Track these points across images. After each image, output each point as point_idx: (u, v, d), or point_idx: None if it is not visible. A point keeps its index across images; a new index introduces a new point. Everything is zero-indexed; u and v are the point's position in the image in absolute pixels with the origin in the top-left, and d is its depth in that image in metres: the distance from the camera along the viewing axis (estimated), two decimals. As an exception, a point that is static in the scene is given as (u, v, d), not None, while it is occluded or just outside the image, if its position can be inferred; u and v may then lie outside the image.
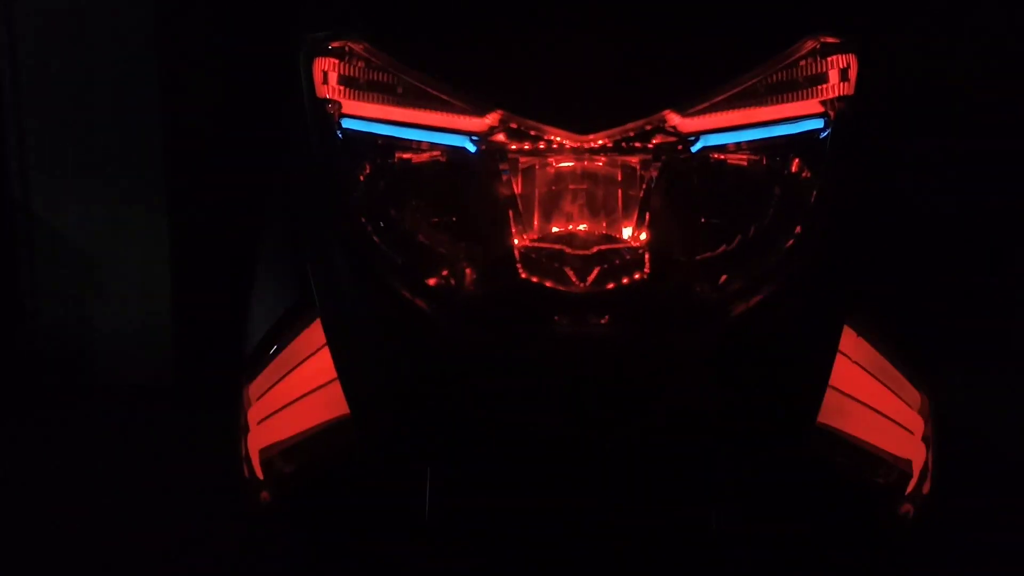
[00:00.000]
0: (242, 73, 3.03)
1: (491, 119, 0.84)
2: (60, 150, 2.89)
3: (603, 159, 0.87)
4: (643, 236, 0.86)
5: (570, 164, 0.88)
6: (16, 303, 2.98)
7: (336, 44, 0.90)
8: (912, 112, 1.61)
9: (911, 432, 0.96)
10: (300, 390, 0.96)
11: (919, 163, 1.68)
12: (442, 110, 0.86)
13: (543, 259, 0.84)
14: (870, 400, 0.95)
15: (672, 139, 0.84)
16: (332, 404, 0.93)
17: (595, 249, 0.85)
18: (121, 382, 2.99)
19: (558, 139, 0.84)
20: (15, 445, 2.46)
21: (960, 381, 1.49)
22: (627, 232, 0.87)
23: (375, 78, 0.88)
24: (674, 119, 0.84)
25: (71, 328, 3.01)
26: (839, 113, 0.88)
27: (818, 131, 0.89)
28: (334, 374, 0.93)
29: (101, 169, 2.93)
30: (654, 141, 0.84)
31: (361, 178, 0.90)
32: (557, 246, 0.86)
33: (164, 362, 3.03)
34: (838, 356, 0.93)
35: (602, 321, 0.82)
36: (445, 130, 0.86)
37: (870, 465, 0.94)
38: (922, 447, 0.96)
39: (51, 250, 2.95)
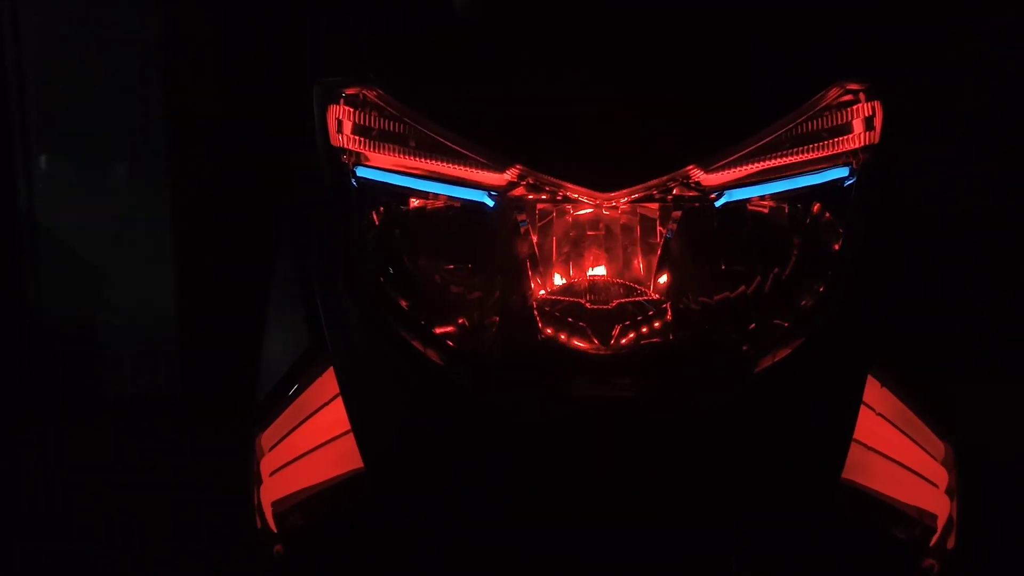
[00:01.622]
0: (248, 89, 3.03)
1: (510, 174, 0.82)
2: (65, 161, 2.90)
3: (624, 207, 0.85)
4: (664, 288, 0.84)
5: (589, 211, 0.86)
6: (21, 313, 2.98)
7: (351, 91, 0.88)
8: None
9: (935, 485, 0.94)
10: (313, 441, 0.94)
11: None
12: (459, 163, 0.84)
13: (561, 314, 0.82)
14: (893, 453, 0.93)
15: (695, 193, 0.82)
16: (346, 457, 0.92)
17: (615, 303, 0.83)
18: (127, 392, 3.00)
19: (579, 197, 0.82)
20: (20, 455, 2.47)
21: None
22: (647, 283, 0.85)
23: (390, 127, 0.86)
24: (698, 175, 0.82)
25: (76, 338, 3.01)
26: (864, 162, 0.86)
27: (843, 179, 0.87)
28: (348, 426, 0.92)
29: (106, 180, 2.93)
30: (677, 194, 0.82)
31: (375, 228, 0.88)
32: (576, 299, 0.83)
33: (169, 372, 3.03)
34: (862, 408, 0.91)
35: (623, 383, 0.80)
36: (462, 183, 0.84)
37: (893, 520, 0.93)
38: (946, 499, 0.94)
39: (56, 261, 2.95)
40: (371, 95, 0.87)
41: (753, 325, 0.85)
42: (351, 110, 0.88)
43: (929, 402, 0.97)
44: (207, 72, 2.99)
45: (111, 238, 2.95)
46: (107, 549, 1.95)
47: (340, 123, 0.89)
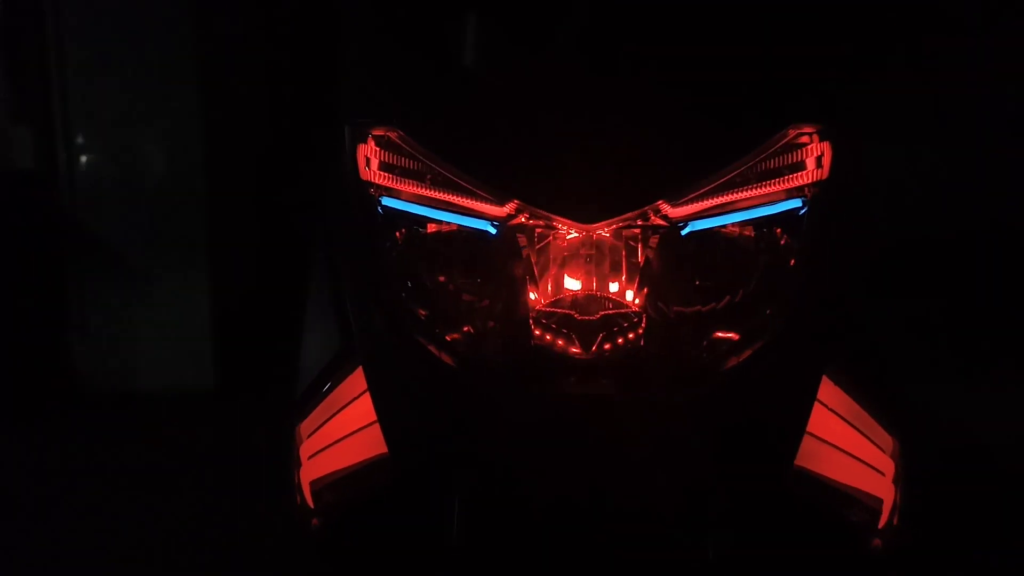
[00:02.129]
0: (278, 110, 3.18)
1: (509, 208, 0.97)
2: (105, 166, 3.06)
3: (609, 234, 1.00)
4: (642, 301, 0.98)
5: (578, 236, 1.01)
6: (64, 312, 3.14)
7: (378, 132, 1.03)
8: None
9: (882, 473, 1.07)
10: (345, 430, 1.09)
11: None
12: (467, 197, 0.99)
13: (552, 324, 0.96)
14: (845, 445, 1.06)
15: (665, 223, 0.96)
16: (373, 443, 1.06)
17: (599, 314, 0.97)
18: (164, 387, 3.16)
19: (565, 227, 0.97)
20: (63, 447, 2.63)
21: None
22: (629, 297, 0.99)
23: (409, 165, 1.01)
24: (666, 208, 0.96)
25: (116, 336, 3.17)
26: (815, 196, 1.00)
27: (796, 210, 1.01)
28: (374, 416, 1.07)
29: (144, 189, 3.09)
30: (650, 224, 0.97)
31: (397, 249, 1.03)
32: (566, 311, 0.98)
33: (205, 368, 3.19)
34: (816, 404, 1.05)
35: (603, 382, 0.94)
36: (470, 213, 0.99)
37: (845, 503, 1.05)
38: (892, 486, 1.07)
39: (97, 260, 3.11)
40: (394, 136, 1.03)
41: (717, 333, 0.99)
42: (377, 149, 1.03)
43: (879, 400, 1.09)
44: (244, 91, 3.15)
45: (149, 240, 3.11)
46: (144, 525, 2.10)
47: (368, 160, 1.04)
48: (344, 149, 1.07)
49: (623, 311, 0.98)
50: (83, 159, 3.08)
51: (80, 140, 3.08)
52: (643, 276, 0.98)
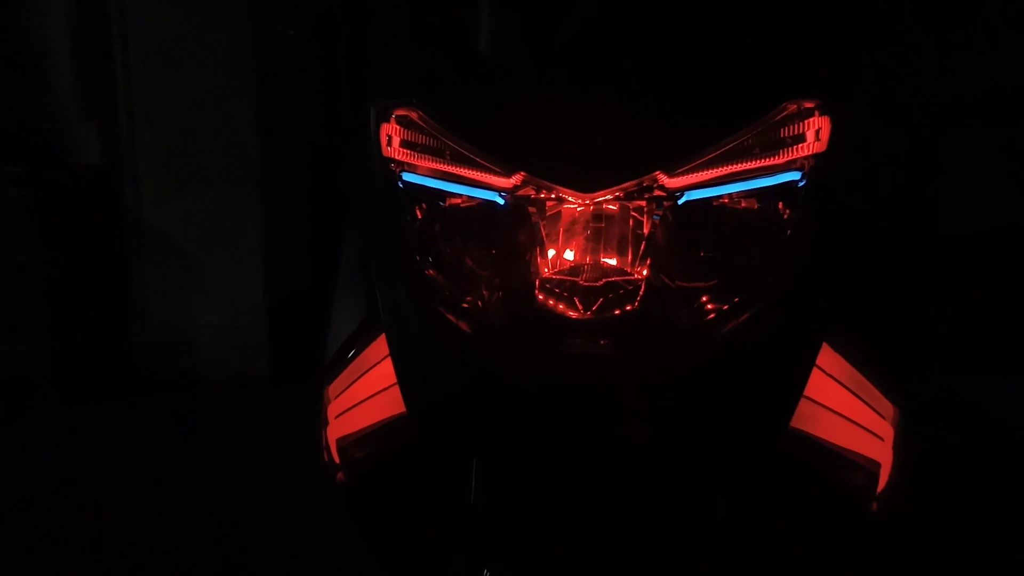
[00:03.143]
0: (330, 106, 3.29)
1: (515, 179, 1.03)
2: (166, 162, 3.21)
3: (614, 204, 1.05)
4: (644, 269, 1.03)
5: (584, 207, 1.06)
6: (127, 301, 3.30)
7: (399, 112, 1.11)
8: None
9: (881, 438, 1.11)
10: (369, 391, 1.17)
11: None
12: (478, 170, 1.05)
13: (558, 289, 1.02)
14: (843, 410, 1.10)
15: (663, 193, 1.02)
16: (394, 403, 1.14)
17: (603, 281, 1.03)
18: (221, 373, 3.30)
19: (568, 197, 1.03)
20: (126, 431, 2.78)
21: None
22: (631, 264, 1.04)
23: (427, 142, 1.08)
24: (663, 178, 1.01)
25: (175, 324, 3.32)
26: (812, 168, 1.03)
27: (795, 182, 1.04)
28: (395, 379, 1.15)
29: (202, 182, 3.23)
30: (648, 195, 1.02)
31: (417, 222, 1.10)
32: (571, 278, 1.03)
33: (259, 355, 3.32)
34: (816, 371, 1.09)
35: (604, 342, 1.00)
36: (481, 185, 1.06)
37: (843, 467, 1.09)
38: (890, 451, 1.10)
39: (158, 253, 3.27)
40: (414, 116, 1.10)
41: (715, 298, 1.03)
42: (399, 127, 1.11)
43: (880, 368, 1.13)
44: (292, 92, 3.27)
45: (207, 232, 3.25)
46: (203, 498, 2.23)
47: (390, 138, 1.11)
48: (370, 128, 1.15)
49: (624, 277, 1.03)
50: (145, 155, 3.24)
51: (143, 138, 3.23)
52: (645, 245, 1.03)
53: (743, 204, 1.06)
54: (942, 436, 1.86)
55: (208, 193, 3.22)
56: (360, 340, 1.20)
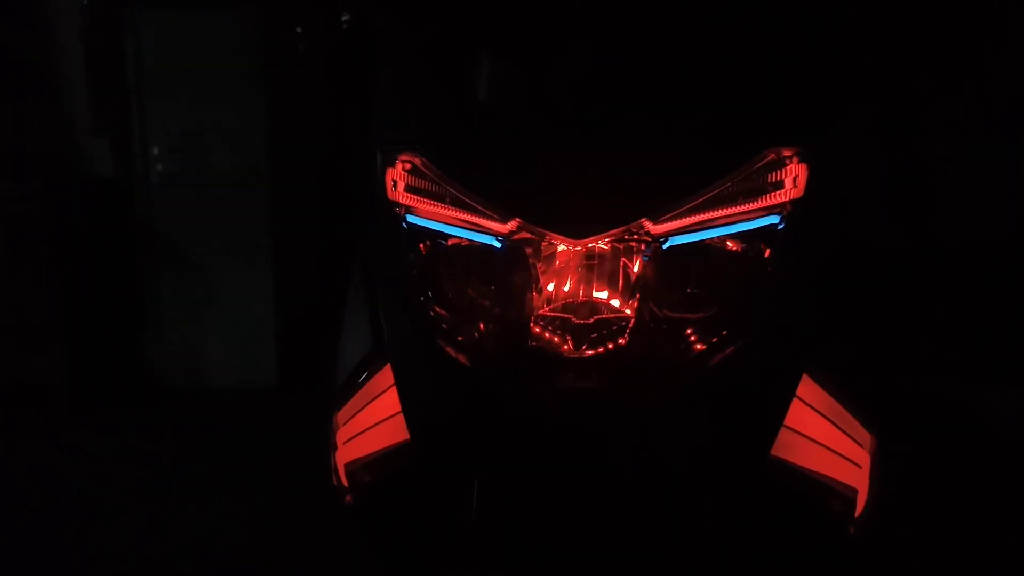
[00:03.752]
0: (338, 125, 3.35)
1: (511, 225, 1.10)
2: (178, 176, 3.28)
3: (606, 245, 1.12)
4: (630, 308, 1.10)
5: (579, 250, 1.13)
6: (139, 314, 3.37)
7: (405, 157, 1.18)
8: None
9: (859, 466, 1.17)
10: (375, 418, 1.24)
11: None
12: (477, 215, 1.12)
13: (551, 327, 1.09)
14: (822, 438, 1.16)
15: (648, 238, 1.09)
16: (399, 431, 1.21)
17: (593, 319, 1.10)
18: (231, 383, 3.37)
19: (558, 243, 1.10)
20: (138, 440, 2.85)
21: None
22: (620, 304, 1.11)
23: (429, 187, 1.16)
24: (648, 225, 1.08)
25: (186, 336, 3.39)
26: (790, 212, 1.10)
27: (774, 225, 1.11)
28: (400, 407, 1.22)
29: (214, 196, 3.30)
30: (636, 238, 1.09)
31: (419, 261, 1.18)
32: (564, 315, 1.11)
33: (269, 365, 3.39)
34: (796, 401, 1.15)
35: (594, 378, 1.07)
36: (480, 230, 1.13)
37: (822, 493, 1.15)
38: (867, 479, 1.16)
39: (169, 267, 3.33)
40: (417, 161, 1.17)
41: (700, 335, 1.10)
42: (403, 172, 1.18)
43: (858, 399, 1.19)
44: (303, 106, 3.33)
45: (218, 246, 3.32)
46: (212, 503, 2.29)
47: (395, 183, 1.19)
48: (376, 172, 1.22)
49: (614, 315, 1.10)
50: (158, 169, 3.31)
51: (155, 151, 3.30)
52: (633, 285, 1.10)
53: (727, 245, 1.13)
54: (930, 447, 1.92)
55: (220, 206, 3.28)
56: (367, 370, 1.26)
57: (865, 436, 1.18)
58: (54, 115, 3.47)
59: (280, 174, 3.28)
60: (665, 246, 1.08)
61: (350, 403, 1.26)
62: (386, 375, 1.24)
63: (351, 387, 1.27)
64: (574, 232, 1.07)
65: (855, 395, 1.19)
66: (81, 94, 3.41)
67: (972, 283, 2.41)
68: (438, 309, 1.16)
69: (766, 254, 1.11)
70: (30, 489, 2.50)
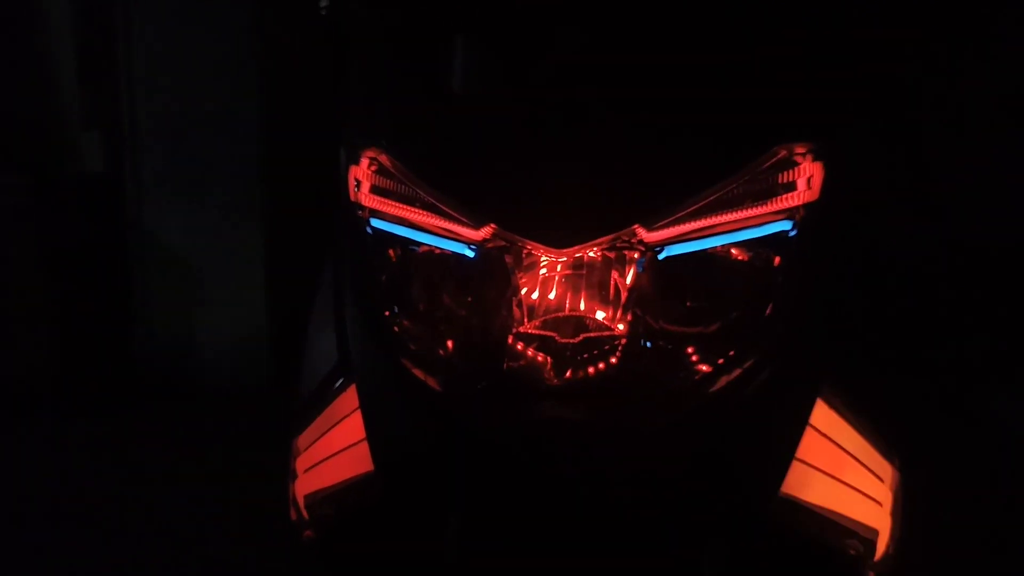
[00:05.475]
0: (333, 118, 3.23)
1: (485, 232, 0.97)
2: (170, 170, 3.19)
3: (596, 254, 0.99)
4: (620, 325, 0.97)
5: (562, 259, 1.00)
6: (129, 311, 3.28)
7: (368, 154, 1.05)
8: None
9: (879, 503, 1.04)
10: (339, 445, 1.12)
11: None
12: (447, 220, 0.99)
13: (531, 346, 0.96)
14: (839, 472, 1.03)
15: (642, 248, 0.95)
16: (364, 460, 1.09)
17: (580, 336, 0.97)
18: (222, 384, 3.27)
19: (539, 253, 0.96)
20: (126, 441, 2.77)
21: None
22: (608, 320, 0.98)
23: (396, 188, 1.03)
24: (642, 233, 0.94)
25: (177, 335, 3.30)
26: (804, 218, 0.96)
27: (786, 231, 0.97)
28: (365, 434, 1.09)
29: (205, 192, 3.21)
30: (626, 248, 0.96)
31: (385, 269, 1.05)
32: (547, 332, 0.97)
33: (261, 366, 3.29)
34: (808, 430, 1.02)
35: (580, 406, 0.94)
36: (451, 236, 1.00)
37: (838, 534, 1.02)
38: (889, 517, 1.03)
39: (160, 264, 3.25)
40: (383, 159, 1.04)
41: (701, 356, 0.97)
42: (368, 171, 1.05)
43: (877, 426, 1.06)
44: (295, 101, 3.23)
45: (211, 241, 3.23)
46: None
47: (358, 182, 1.06)
48: (340, 170, 1.09)
49: (604, 333, 0.97)
50: (148, 163, 3.22)
51: (146, 146, 3.21)
52: (627, 296, 0.97)
53: (731, 253, 1.00)
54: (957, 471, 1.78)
55: (211, 202, 3.20)
56: (330, 389, 1.14)
57: (886, 469, 1.05)
58: (43, 108, 3.37)
59: (273, 169, 3.19)
60: (661, 256, 0.94)
61: (312, 426, 1.14)
62: (351, 396, 1.11)
63: (313, 408, 1.15)
64: (556, 241, 0.94)
65: (874, 422, 1.06)
66: (71, 87, 3.32)
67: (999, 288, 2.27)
68: (406, 324, 1.03)
69: (776, 264, 0.97)
70: (17, 487, 2.43)
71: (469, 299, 1.01)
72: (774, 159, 0.96)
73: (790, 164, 0.96)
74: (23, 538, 2.13)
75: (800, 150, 0.96)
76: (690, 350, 0.98)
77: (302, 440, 1.15)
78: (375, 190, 1.05)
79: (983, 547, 1.72)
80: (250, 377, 3.30)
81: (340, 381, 1.14)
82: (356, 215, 1.06)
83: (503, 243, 0.97)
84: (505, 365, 0.95)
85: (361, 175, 1.06)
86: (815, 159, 0.96)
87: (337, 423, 1.12)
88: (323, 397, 1.15)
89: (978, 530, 1.75)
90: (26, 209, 3.06)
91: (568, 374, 0.94)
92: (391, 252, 1.05)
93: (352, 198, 1.06)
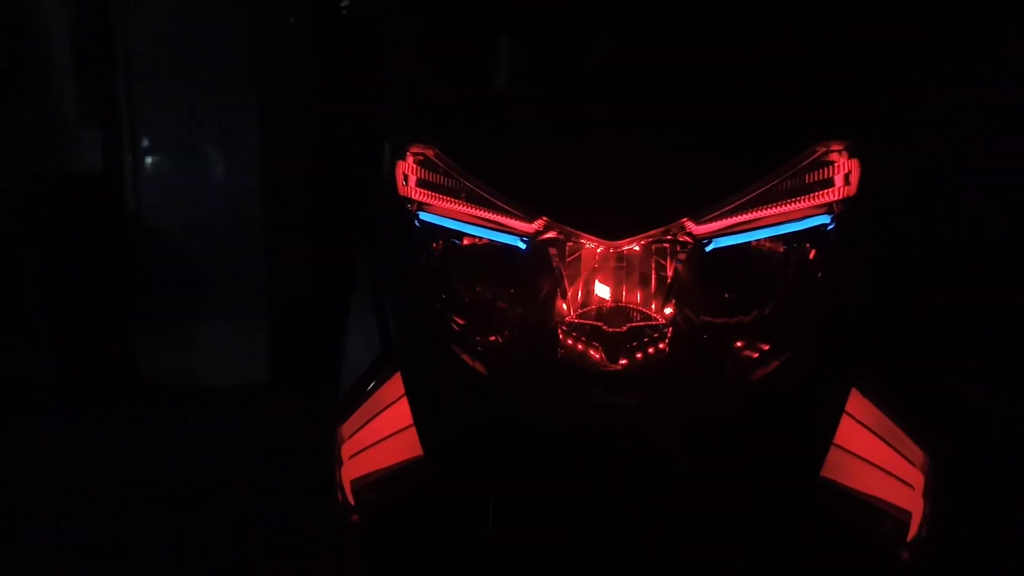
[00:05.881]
0: (331, 119, 3.26)
1: (537, 224, 1.00)
2: (169, 169, 3.19)
3: (639, 248, 1.02)
4: (667, 315, 1.00)
5: (607, 251, 1.03)
6: (129, 308, 3.28)
7: (415, 149, 1.07)
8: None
9: (911, 486, 1.07)
10: (384, 432, 1.14)
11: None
12: (498, 213, 1.02)
13: (581, 336, 0.99)
14: (873, 457, 1.07)
15: (690, 240, 0.99)
16: (410, 446, 1.11)
17: (627, 327, 1.00)
18: (222, 379, 3.28)
19: (592, 244, 0.99)
20: (126, 440, 2.77)
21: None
22: (655, 311, 1.02)
23: (444, 181, 1.05)
24: (690, 226, 0.98)
25: (177, 335, 3.30)
26: (842, 212, 1.00)
27: (824, 225, 1.01)
28: (411, 420, 1.11)
29: (205, 187, 3.21)
30: (676, 240, 0.99)
31: (433, 261, 1.07)
32: (595, 323, 1.01)
33: (260, 363, 3.29)
34: (845, 417, 1.06)
35: (629, 393, 0.97)
36: (501, 228, 1.03)
37: (873, 516, 1.06)
38: (921, 500, 1.07)
39: (161, 259, 3.24)
40: (430, 154, 1.07)
41: (744, 346, 1.01)
42: (415, 166, 1.07)
43: (910, 414, 1.10)
44: (294, 96, 3.24)
45: (210, 240, 3.23)
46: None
47: (406, 176, 1.08)
48: (384, 165, 1.12)
49: (650, 323, 1.00)
50: (148, 162, 3.22)
51: (145, 144, 3.21)
52: (671, 290, 1.00)
53: (770, 247, 1.04)
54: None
55: (211, 199, 3.20)
56: (374, 378, 1.17)
57: (918, 454, 1.09)
58: (42, 107, 3.36)
59: (273, 166, 3.20)
60: (708, 248, 0.97)
61: (356, 414, 1.16)
62: (396, 384, 1.14)
63: (357, 396, 1.17)
64: (609, 233, 0.97)
65: (906, 409, 1.10)
66: (70, 85, 3.31)
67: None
68: (453, 313, 1.05)
69: (813, 257, 1.01)
70: (17, 485, 2.43)
71: (517, 288, 1.04)
72: (813, 156, 1.00)
73: (828, 161, 1.00)
74: (23, 538, 2.13)
75: (837, 147, 1.00)
76: (732, 342, 1.01)
77: (346, 428, 1.17)
78: (421, 184, 1.07)
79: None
80: (249, 375, 3.30)
81: (384, 370, 1.16)
82: (403, 209, 1.08)
83: (555, 235, 1.00)
84: (557, 352, 0.98)
85: (408, 169, 1.08)
86: (851, 156, 1.00)
87: (382, 410, 1.15)
88: (367, 385, 1.17)
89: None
90: (25, 207, 3.05)
91: (620, 361, 0.97)
92: (439, 244, 1.07)
93: (400, 192, 1.08)
